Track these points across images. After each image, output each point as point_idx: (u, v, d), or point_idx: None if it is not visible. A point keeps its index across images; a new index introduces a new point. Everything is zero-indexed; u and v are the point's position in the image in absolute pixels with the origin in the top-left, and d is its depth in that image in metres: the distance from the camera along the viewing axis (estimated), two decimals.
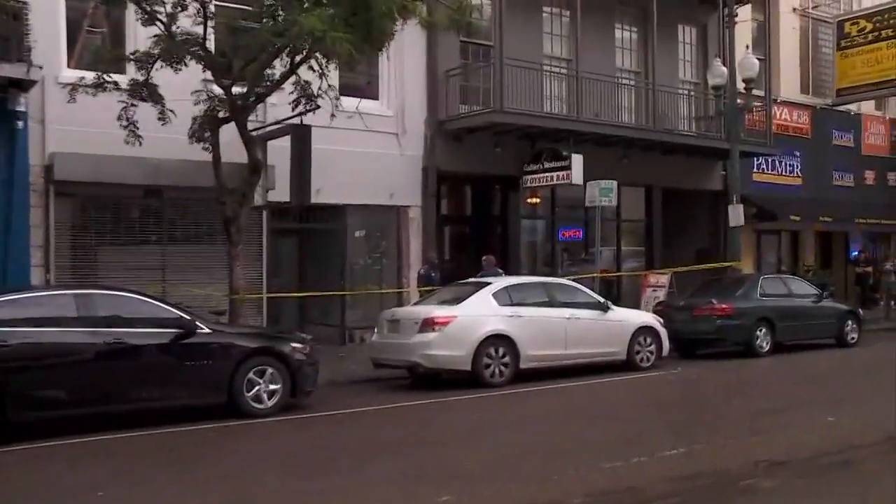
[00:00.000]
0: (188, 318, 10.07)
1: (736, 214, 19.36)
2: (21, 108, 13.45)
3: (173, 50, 12.31)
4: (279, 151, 14.33)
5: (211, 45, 12.94)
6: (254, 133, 13.61)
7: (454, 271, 17.35)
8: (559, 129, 18.71)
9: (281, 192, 14.60)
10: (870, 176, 27.31)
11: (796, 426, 9.07)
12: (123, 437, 9.12)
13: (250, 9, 13.29)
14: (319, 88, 12.81)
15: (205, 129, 13.20)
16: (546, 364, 13.19)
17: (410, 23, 12.76)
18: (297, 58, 12.42)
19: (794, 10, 25.35)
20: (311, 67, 12.50)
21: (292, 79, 12.83)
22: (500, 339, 12.66)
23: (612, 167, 19.13)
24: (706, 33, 22.96)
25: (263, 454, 8.57)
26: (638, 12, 21.40)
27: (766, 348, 16.14)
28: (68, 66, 14.36)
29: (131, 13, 13.47)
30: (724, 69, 19.26)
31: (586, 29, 19.24)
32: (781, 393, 12.07)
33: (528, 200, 20.06)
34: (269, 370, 10.25)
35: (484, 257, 16.79)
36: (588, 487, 6.67)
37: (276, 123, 14.64)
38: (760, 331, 16.14)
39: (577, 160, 17.82)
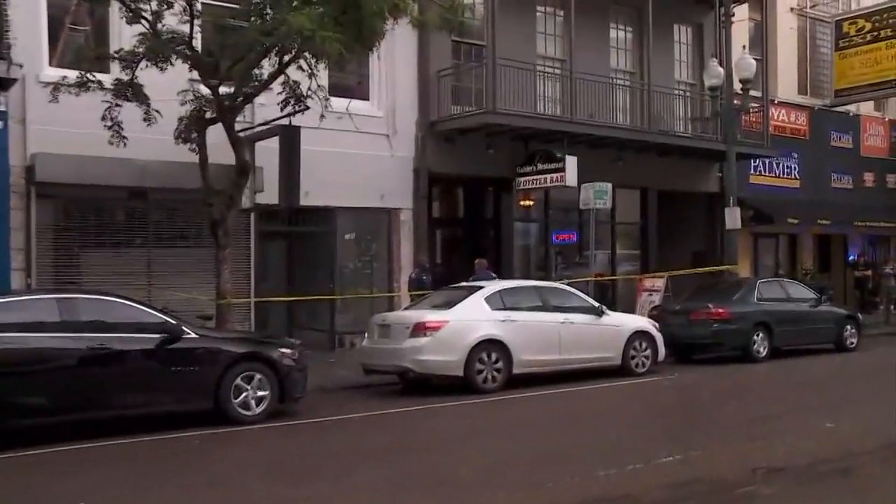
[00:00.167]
0: (174, 322, 10.04)
1: (732, 217, 19.41)
2: (1, 108, 13.43)
3: (159, 49, 12.30)
4: (267, 153, 14.32)
5: (198, 43, 12.93)
6: (241, 134, 13.60)
7: (446, 275, 17.37)
8: (553, 130, 18.74)
9: (269, 195, 14.59)
10: (869, 178, 27.42)
11: (794, 432, 9.08)
12: (108, 444, 9.08)
13: (238, 7, 13.31)
14: (308, 89, 12.81)
15: (191, 129, 13.19)
16: (539, 369, 13.19)
17: (402, 22, 12.76)
18: (286, 57, 12.42)
19: (792, 9, 25.47)
20: (300, 67, 12.49)
21: (281, 79, 12.84)
22: (492, 345, 12.67)
23: (606, 169, 19.17)
24: (702, 33, 23.05)
25: (250, 461, 8.55)
26: (633, 12, 21.46)
27: (764, 353, 16.18)
28: (50, 64, 14.30)
29: (115, 11, 13.46)
30: (721, 69, 19.32)
31: (580, 29, 19.28)
32: (779, 398, 12.10)
33: (522, 203, 20.07)
34: (257, 376, 10.23)
35: (476, 261, 16.83)
36: (582, 495, 6.68)
37: (264, 124, 14.64)
38: (758, 335, 16.18)
39: (571, 162, 17.85)
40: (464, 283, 14.77)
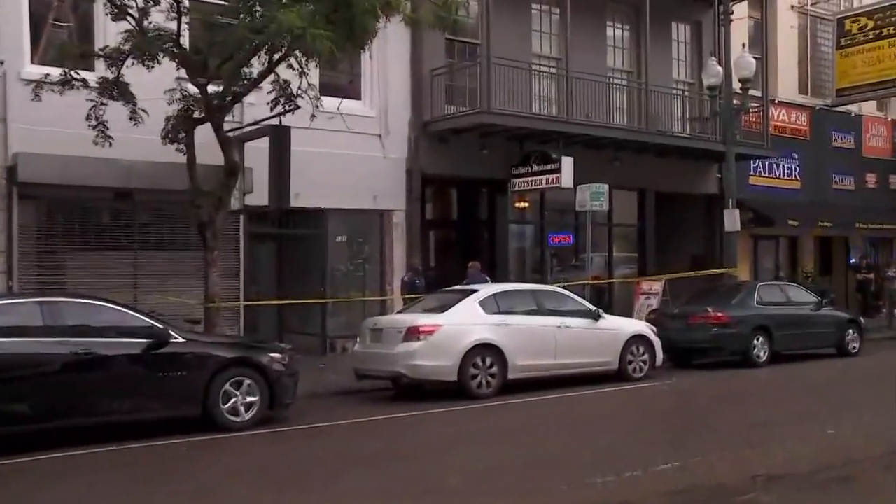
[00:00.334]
0: (161, 327, 10.02)
1: (732, 219, 19.46)
2: None
3: (145, 46, 12.28)
4: (257, 153, 14.31)
5: (185, 41, 12.92)
6: (230, 134, 13.59)
7: (439, 278, 17.38)
8: (548, 130, 18.77)
9: (259, 196, 14.58)
10: (871, 179, 27.51)
11: (795, 439, 9.10)
12: (93, 452, 9.05)
13: (227, 4, 13.31)
14: (299, 88, 12.80)
15: (179, 129, 13.18)
16: (535, 374, 13.20)
17: (394, 20, 12.79)
18: (276, 56, 12.42)
19: (793, 7, 25.55)
20: (290, 66, 12.49)
21: (271, 78, 12.83)
22: (487, 349, 12.67)
23: (603, 170, 19.21)
24: (701, 31, 23.10)
25: (239, 468, 8.55)
26: (630, 9, 21.51)
27: (764, 358, 16.22)
28: (32, 61, 14.26)
29: (100, 7, 13.47)
30: (720, 69, 19.38)
31: (576, 27, 19.31)
32: (779, 404, 12.13)
33: (517, 204, 20.10)
34: (247, 382, 10.21)
35: (469, 264, 16.79)
36: (578, 503, 6.68)
37: (253, 124, 14.63)
38: (757, 340, 16.21)
39: (567, 163, 17.88)
40: (458, 287, 14.78)
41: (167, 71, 12.87)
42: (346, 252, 18.38)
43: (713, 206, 22.60)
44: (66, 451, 9.00)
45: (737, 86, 19.24)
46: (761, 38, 23.30)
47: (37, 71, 13.48)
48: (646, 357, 14.42)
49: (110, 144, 12.95)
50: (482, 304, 13.14)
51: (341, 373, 14.13)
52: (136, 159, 14.06)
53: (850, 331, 17.83)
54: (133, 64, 12.61)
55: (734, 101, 19.65)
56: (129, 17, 12.35)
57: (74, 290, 13.45)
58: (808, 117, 25.67)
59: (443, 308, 13.12)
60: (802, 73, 25.85)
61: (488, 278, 16.37)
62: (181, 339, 10.08)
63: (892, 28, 24.48)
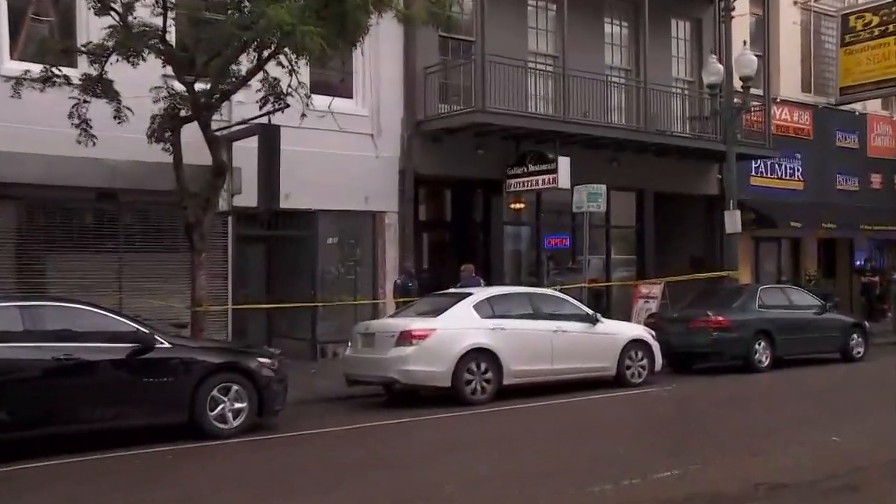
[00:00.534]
0: (146, 331, 10.00)
1: (733, 220, 19.50)
2: None
3: (130, 42, 12.27)
4: (246, 153, 14.28)
5: (172, 37, 12.91)
6: (218, 133, 13.58)
7: (433, 281, 17.39)
8: (545, 129, 18.78)
9: (247, 197, 14.54)
10: (876, 179, 27.58)
11: (798, 446, 9.12)
12: (76, 461, 9.03)
13: None
14: (289, 86, 12.81)
15: (165, 128, 13.16)
16: (531, 380, 13.21)
17: (386, 16, 12.80)
18: (265, 53, 12.40)
19: (795, 3, 25.62)
20: (279, 63, 12.49)
21: (260, 75, 12.84)
22: (481, 354, 12.67)
23: (601, 170, 19.23)
24: (701, 28, 23.15)
25: (225, 477, 8.54)
26: (629, 6, 21.55)
27: (766, 363, 16.25)
28: (11, 57, 14.22)
29: (82, 1, 13.41)
30: (721, 66, 19.42)
31: (574, 24, 19.34)
32: (782, 410, 12.15)
33: (512, 206, 20.11)
34: (235, 387, 10.20)
35: (462, 266, 16.76)
36: None
37: (242, 123, 14.61)
38: (759, 344, 16.24)
39: (563, 163, 17.89)
40: (451, 290, 14.78)
41: (153, 68, 12.85)
42: (337, 254, 18.35)
43: (713, 207, 22.64)
44: (48, 459, 8.97)
45: (738, 84, 19.29)
46: (763, 35, 23.36)
47: (16, 67, 13.41)
48: (644, 362, 14.44)
49: (94, 144, 12.91)
50: (477, 307, 13.14)
51: (332, 378, 14.11)
52: (121, 159, 14.03)
53: (855, 335, 17.87)
54: (117, 60, 12.59)
55: (735, 100, 19.70)
56: (112, 12, 12.32)
57: (56, 293, 13.40)
58: (810, 116, 25.73)
59: (436, 312, 13.11)
60: (805, 70, 25.91)
61: (482, 281, 16.38)
62: (167, 344, 10.06)
63: None
